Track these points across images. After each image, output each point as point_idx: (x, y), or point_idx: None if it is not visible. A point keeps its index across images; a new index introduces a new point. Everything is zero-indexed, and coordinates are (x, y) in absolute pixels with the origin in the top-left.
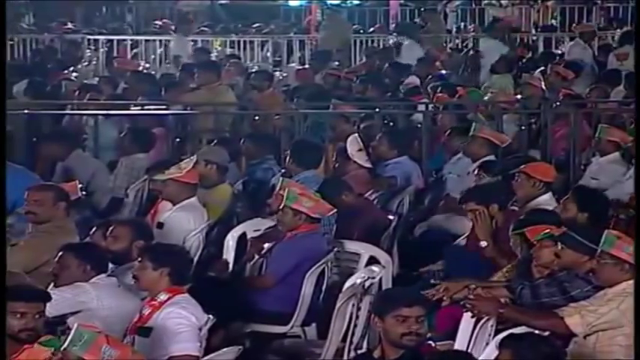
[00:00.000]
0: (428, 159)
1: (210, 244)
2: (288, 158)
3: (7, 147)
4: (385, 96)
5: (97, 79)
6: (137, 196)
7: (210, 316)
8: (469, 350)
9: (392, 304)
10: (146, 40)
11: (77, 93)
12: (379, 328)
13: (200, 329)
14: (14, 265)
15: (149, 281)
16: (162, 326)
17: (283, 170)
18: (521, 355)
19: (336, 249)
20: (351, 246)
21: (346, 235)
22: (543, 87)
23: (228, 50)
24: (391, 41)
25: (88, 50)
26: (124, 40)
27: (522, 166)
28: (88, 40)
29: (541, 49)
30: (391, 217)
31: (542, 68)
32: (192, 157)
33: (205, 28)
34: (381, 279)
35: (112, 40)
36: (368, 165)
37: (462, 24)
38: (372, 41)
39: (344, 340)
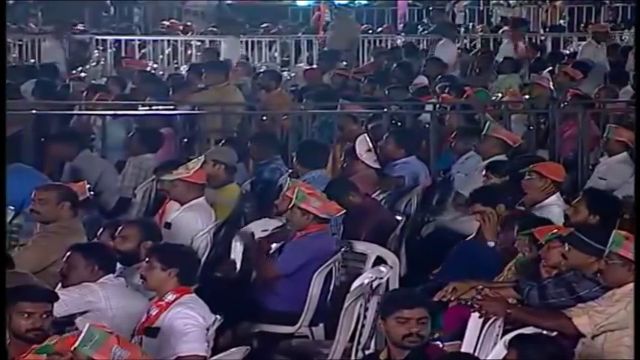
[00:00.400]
0: (436, 159)
1: (218, 245)
2: (295, 158)
3: (16, 147)
4: (398, 94)
5: (105, 79)
6: (145, 197)
7: (218, 316)
8: (477, 351)
9: (393, 305)
10: (154, 40)
11: (85, 93)
12: (383, 330)
13: (207, 329)
14: (22, 266)
15: (157, 281)
16: (169, 326)
17: (291, 170)
18: (529, 356)
19: (344, 249)
20: (359, 246)
21: (353, 235)
22: (552, 87)
23: None
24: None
25: (96, 50)
26: (132, 40)
27: (533, 165)
28: (97, 40)
29: (549, 49)
30: (399, 217)
31: (551, 68)
32: (200, 157)
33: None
34: (388, 279)
35: (120, 40)
36: (376, 166)
37: (470, 24)
38: (380, 41)
39: (351, 340)
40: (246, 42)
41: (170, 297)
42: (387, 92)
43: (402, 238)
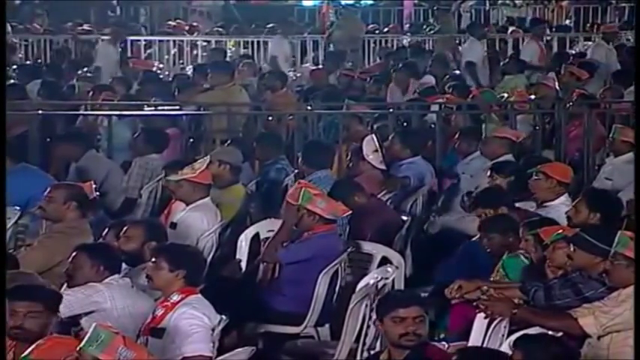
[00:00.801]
0: (441, 159)
1: (224, 245)
2: (301, 159)
3: (22, 147)
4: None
5: (110, 79)
6: (151, 197)
7: (223, 316)
8: None
9: (388, 305)
10: (160, 41)
11: (91, 93)
12: (380, 331)
13: (213, 330)
14: (27, 266)
15: (164, 282)
16: (174, 327)
17: (296, 171)
18: (535, 356)
19: (350, 249)
20: (364, 247)
21: (359, 235)
22: (557, 87)
23: (242, 50)
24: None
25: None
26: (138, 40)
27: (540, 166)
28: (102, 40)
29: (555, 49)
30: (404, 217)
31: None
32: (205, 158)
33: (220, 29)
34: (393, 280)
35: (126, 41)
36: (382, 167)
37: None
38: (386, 41)
39: (357, 340)
40: (252, 42)
41: (176, 297)
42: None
43: (408, 239)
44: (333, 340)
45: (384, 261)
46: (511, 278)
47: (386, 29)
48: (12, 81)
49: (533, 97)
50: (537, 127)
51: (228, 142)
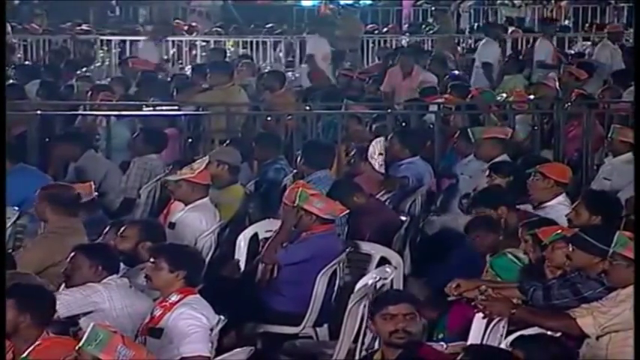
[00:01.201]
0: (440, 159)
1: (222, 245)
2: (300, 159)
3: (20, 147)
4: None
5: (109, 79)
6: (149, 197)
7: (222, 316)
8: None
9: (378, 303)
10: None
11: (90, 93)
12: (373, 330)
13: (211, 330)
14: (23, 266)
15: (163, 282)
16: (173, 327)
17: (295, 171)
18: (533, 356)
19: (348, 249)
20: (363, 247)
21: (358, 235)
22: (557, 87)
23: (241, 50)
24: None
25: (101, 51)
26: (137, 40)
27: (538, 166)
28: (101, 40)
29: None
30: (403, 217)
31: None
32: (204, 158)
33: (219, 29)
34: (392, 280)
35: (124, 41)
36: (381, 171)
37: (475, 24)
38: (385, 41)
39: (355, 341)
40: (251, 42)
41: (174, 298)
42: None
43: (407, 239)
44: (332, 341)
45: (383, 261)
46: (503, 278)
47: (385, 29)
48: (11, 81)
49: (532, 97)
50: (536, 127)
51: (227, 142)
